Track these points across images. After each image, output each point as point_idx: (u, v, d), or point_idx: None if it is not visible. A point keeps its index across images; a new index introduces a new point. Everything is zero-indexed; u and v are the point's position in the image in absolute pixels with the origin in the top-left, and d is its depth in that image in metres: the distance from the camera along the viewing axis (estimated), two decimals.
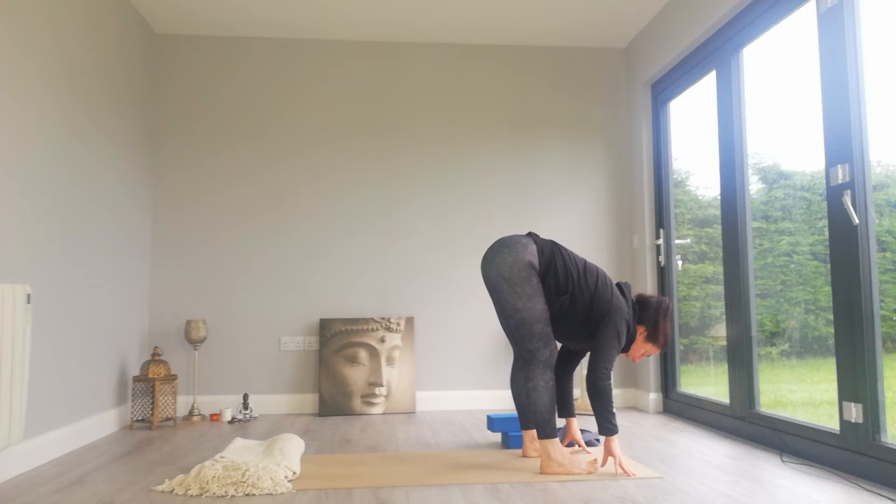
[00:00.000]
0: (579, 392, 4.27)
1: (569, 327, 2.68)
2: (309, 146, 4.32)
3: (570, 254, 2.70)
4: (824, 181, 2.64)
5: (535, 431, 2.82)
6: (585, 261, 2.73)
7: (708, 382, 3.70)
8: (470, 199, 4.38)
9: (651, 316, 2.74)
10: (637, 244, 4.32)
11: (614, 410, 2.89)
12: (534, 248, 2.63)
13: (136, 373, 3.90)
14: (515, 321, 2.59)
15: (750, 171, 3.30)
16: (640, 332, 2.77)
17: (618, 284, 2.78)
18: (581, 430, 3.19)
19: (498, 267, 2.61)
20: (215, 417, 3.89)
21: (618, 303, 2.66)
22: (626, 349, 2.80)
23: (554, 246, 2.69)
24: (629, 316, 2.69)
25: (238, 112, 4.30)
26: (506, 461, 2.73)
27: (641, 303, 2.79)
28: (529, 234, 2.74)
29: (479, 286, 4.34)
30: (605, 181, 4.47)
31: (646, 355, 2.83)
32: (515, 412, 3.54)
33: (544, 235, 4.40)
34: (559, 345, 3.97)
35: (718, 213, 3.55)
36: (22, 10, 2.68)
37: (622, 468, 2.48)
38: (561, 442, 2.96)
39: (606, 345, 2.60)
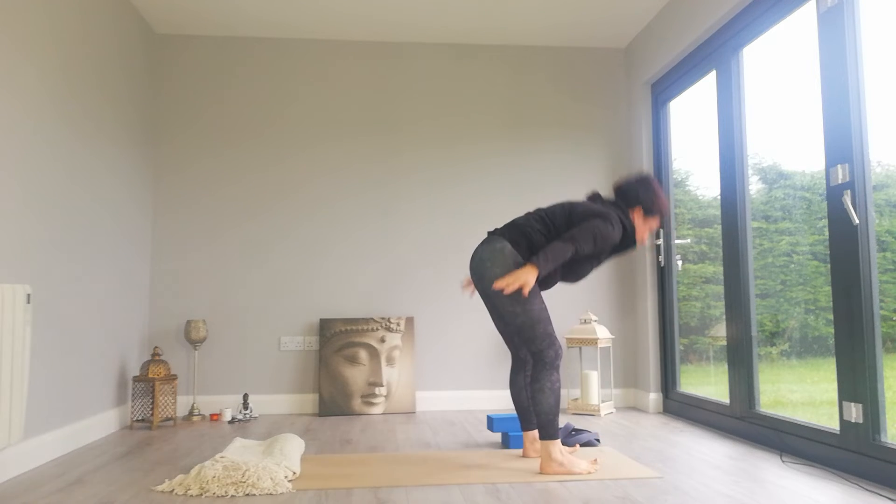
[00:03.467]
0: (580, 392, 4.27)
1: (565, 269, 2.67)
2: (309, 146, 4.32)
3: (540, 221, 2.62)
4: (824, 181, 2.64)
5: (535, 433, 2.82)
6: (554, 210, 2.66)
7: (708, 382, 3.70)
8: (470, 199, 4.38)
9: (638, 194, 2.69)
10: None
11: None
12: (510, 247, 2.56)
13: (136, 373, 3.90)
14: (517, 326, 2.56)
15: (750, 171, 3.30)
16: (637, 214, 2.71)
17: (589, 197, 2.73)
18: (579, 430, 3.19)
19: (490, 280, 2.56)
20: (215, 417, 3.89)
21: (597, 210, 2.57)
22: (630, 244, 2.70)
23: (522, 228, 2.61)
24: (616, 213, 2.61)
25: (238, 112, 4.30)
26: (506, 461, 2.73)
27: (620, 190, 2.73)
28: (493, 232, 2.66)
29: None
30: (605, 181, 4.47)
31: (651, 230, 2.77)
32: (515, 412, 3.53)
33: None
34: (563, 343, 3.97)
35: (718, 213, 3.55)
36: (21, 11, 2.68)
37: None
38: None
39: (584, 231, 2.50)
